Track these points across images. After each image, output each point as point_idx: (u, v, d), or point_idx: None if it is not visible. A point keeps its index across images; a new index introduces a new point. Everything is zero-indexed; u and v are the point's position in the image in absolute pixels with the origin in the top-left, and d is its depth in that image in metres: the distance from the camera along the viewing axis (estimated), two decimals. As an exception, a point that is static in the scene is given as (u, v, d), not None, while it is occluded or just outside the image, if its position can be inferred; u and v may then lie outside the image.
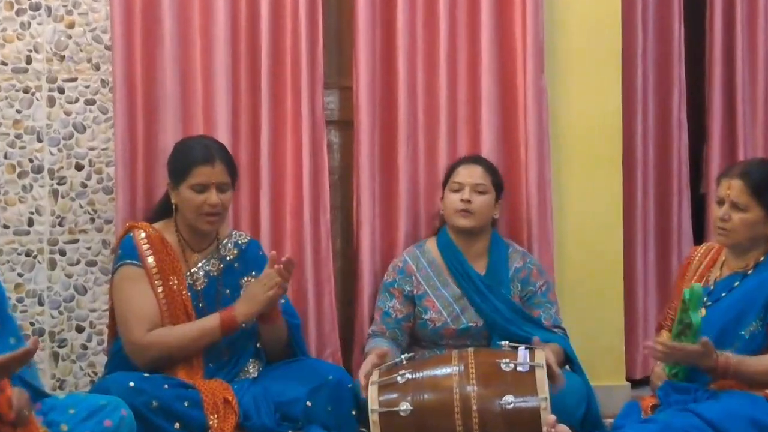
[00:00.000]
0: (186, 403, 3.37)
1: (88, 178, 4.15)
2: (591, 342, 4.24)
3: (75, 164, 4.14)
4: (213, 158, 3.59)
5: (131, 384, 3.31)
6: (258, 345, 3.67)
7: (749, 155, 4.58)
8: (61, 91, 4.12)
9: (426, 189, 4.22)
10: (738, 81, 4.65)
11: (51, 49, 4.11)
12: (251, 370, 3.63)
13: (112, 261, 3.81)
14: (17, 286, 4.09)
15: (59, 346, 4.15)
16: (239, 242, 3.74)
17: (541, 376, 3.26)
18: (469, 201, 3.90)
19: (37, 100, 4.11)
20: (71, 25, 4.12)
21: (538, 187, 4.25)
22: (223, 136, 3.97)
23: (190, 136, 3.88)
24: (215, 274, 3.66)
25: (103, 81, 4.14)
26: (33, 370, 3.14)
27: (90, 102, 4.15)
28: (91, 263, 4.16)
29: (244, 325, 3.56)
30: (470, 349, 3.45)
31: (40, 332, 4.11)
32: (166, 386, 3.38)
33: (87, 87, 4.14)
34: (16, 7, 4.07)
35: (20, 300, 4.09)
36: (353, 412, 3.52)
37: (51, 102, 4.11)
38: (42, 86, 4.11)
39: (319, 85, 4.17)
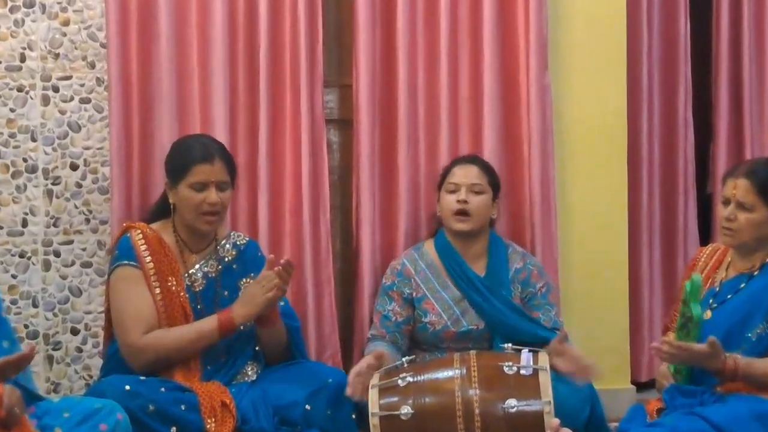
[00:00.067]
0: (183, 407, 3.36)
1: (83, 177, 4.14)
2: (595, 344, 4.24)
3: (70, 164, 4.13)
4: (212, 156, 3.58)
5: (127, 387, 3.31)
6: (257, 348, 3.66)
7: (756, 154, 4.58)
8: (56, 89, 4.11)
9: (427, 189, 4.21)
10: (745, 78, 4.65)
11: (45, 47, 4.10)
12: (250, 373, 3.62)
13: (107, 262, 3.80)
14: (11, 287, 4.09)
15: (54, 349, 4.14)
16: (238, 243, 3.74)
17: (545, 379, 3.25)
18: (465, 202, 3.89)
19: (31, 98, 4.10)
20: (66, 23, 4.12)
21: (542, 186, 4.24)
22: (220, 135, 3.97)
23: (187, 135, 3.88)
24: (213, 275, 3.66)
25: (98, 79, 4.14)
26: (27, 373, 3.14)
27: (85, 101, 4.14)
28: (86, 264, 4.15)
29: (242, 327, 3.55)
30: (472, 352, 3.45)
31: (35, 335, 4.11)
32: (162, 389, 3.38)
33: (82, 85, 4.14)
34: (9, 4, 4.07)
35: (14, 302, 4.08)
36: (353, 416, 3.51)
37: (45, 101, 4.11)
38: (36, 84, 4.10)
39: (319, 84, 4.17)
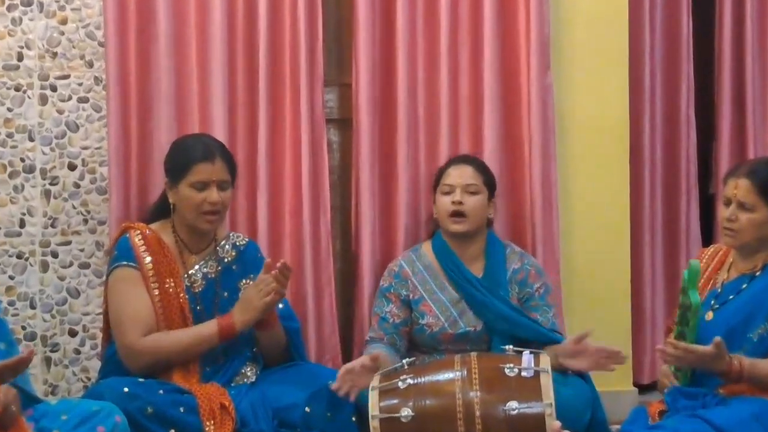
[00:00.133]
0: (182, 409, 3.37)
1: (81, 178, 4.15)
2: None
3: (68, 164, 4.14)
4: (213, 155, 3.59)
5: (125, 389, 3.31)
6: (254, 349, 3.67)
7: (759, 154, 4.59)
8: (54, 88, 4.12)
9: (427, 189, 4.22)
10: (747, 78, 4.65)
11: (43, 46, 4.11)
12: (248, 374, 3.63)
13: (106, 263, 3.81)
14: (8, 289, 4.09)
15: (51, 351, 4.15)
16: (237, 244, 3.74)
17: (546, 381, 3.26)
18: (461, 203, 3.90)
19: (29, 98, 4.11)
20: (64, 21, 4.12)
21: (543, 186, 4.25)
22: (219, 134, 3.98)
23: (187, 134, 3.89)
24: (213, 276, 3.66)
25: (96, 78, 4.15)
26: (25, 375, 3.14)
27: (83, 100, 4.15)
28: (85, 265, 4.16)
29: (242, 332, 3.56)
30: (473, 354, 3.45)
31: (32, 336, 4.11)
32: (161, 391, 3.38)
33: (80, 84, 4.14)
34: (7, 2, 4.07)
35: (11, 303, 4.09)
36: (353, 419, 3.52)
37: (43, 100, 4.11)
38: (34, 84, 4.11)
39: (319, 83, 4.18)
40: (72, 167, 4.14)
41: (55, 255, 4.13)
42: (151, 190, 3.99)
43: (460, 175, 3.94)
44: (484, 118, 4.24)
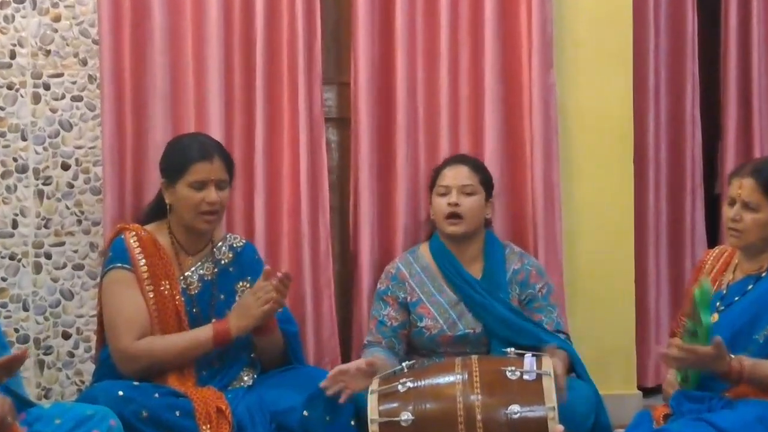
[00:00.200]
0: (177, 413, 3.36)
1: (75, 177, 4.15)
2: (601, 348, 4.25)
3: (61, 163, 4.14)
4: (211, 154, 3.59)
5: (120, 393, 3.30)
6: (252, 355, 3.66)
7: (766, 153, 4.59)
8: (47, 87, 4.12)
9: (426, 189, 4.21)
10: (754, 76, 4.65)
11: (36, 44, 4.11)
12: (245, 378, 3.62)
13: (100, 264, 3.80)
14: (1, 290, 4.09)
15: (45, 354, 4.14)
16: (234, 245, 3.74)
17: (549, 384, 3.25)
18: (457, 204, 3.89)
19: (22, 96, 4.10)
20: (57, 19, 4.12)
21: (545, 186, 4.25)
22: (216, 133, 3.98)
23: (183, 134, 3.89)
24: (209, 278, 3.66)
25: (90, 76, 4.14)
26: (17, 379, 3.15)
27: (77, 98, 4.15)
28: (78, 267, 4.16)
29: (237, 338, 3.55)
30: (474, 357, 3.45)
31: (25, 339, 4.11)
32: (156, 395, 3.37)
33: (74, 83, 4.14)
34: (-1, -1, 4.09)
35: (4, 305, 4.09)
36: (352, 422, 3.51)
37: (36, 98, 4.11)
38: (27, 82, 4.11)
39: (317, 81, 4.18)
40: (65, 167, 4.14)
41: (48, 256, 4.13)
42: (146, 190, 3.99)
43: (456, 176, 3.93)
44: (485, 117, 4.24)
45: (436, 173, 4.00)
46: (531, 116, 4.25)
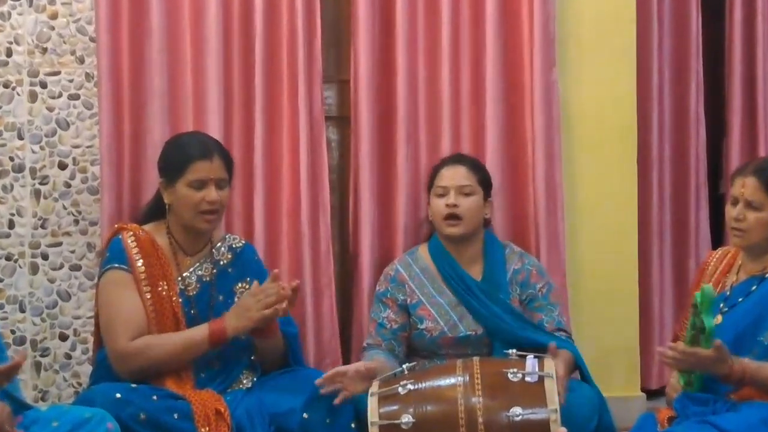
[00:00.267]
0: (176, 415, 3.36)
1: (72, 177, 4.15)
2: (604, 350, 4.25)
3: (58, 163, 4.14)
4: (211, 153, 3.59)
5: (118, 395, 3.30)
6: (252, 357, 3.67)
7: (772, 152, 4.60)
8: (44, 85, 4.12)
9: (427, 189, 4.22)
10: (759, 73, 4.66)
11: (32, 41, 4.11)
12: (245, 381, 3.63)
13: (97, 265, 3.80)
14: (-3, 291, 4.11)
15: (41, 356, 4.15)
16: (233, 246, 3.74)
17: (551, 386, 3.26)
18: (455, 205, 3.89)
19: (18, 95, 4.11)
20: (54, 16, 4.13)
21: (547, 186, 4.25)
22: (214, 132, 3.98)
23: (182, 132, 3.89)
24: (208, 279, 3.66)
25: (87, 75, 4.15)
26: (14, 381, 3.14)
27: (74, 97, 4.15)
28: (75, 267, 4.16)
29: (238, 337, 3.55)
30: (475, 358, 3.45)
31: (22, 341, 4.12)
32: (154, 397, 3.38)
33: (71, 81, 4.15)
34: (-5, -3, 4.09)
35: (0, 307, 4.09)
36: (352, 425, 3.51)
37: (32, 97, 4.12)
38: (23, 80, 4.11)
39: (318, 79, 4.18)
40: (62, 166, 4.14)
41: (45, 257, 4.13)
42: (144, 190, 4.00)
43: (453, 176, 3.92)
44: (487, 116, 4.25)
45: (433, 173, 3.99)
46: (533, 115, 4.26)
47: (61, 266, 4.15)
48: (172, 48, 4.05)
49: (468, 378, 3.31)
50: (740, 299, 3.43)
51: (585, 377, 3.78)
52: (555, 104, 4.27)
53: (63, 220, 4.15)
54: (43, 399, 4.13)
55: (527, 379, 3.29)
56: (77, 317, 4.16)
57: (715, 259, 3.62)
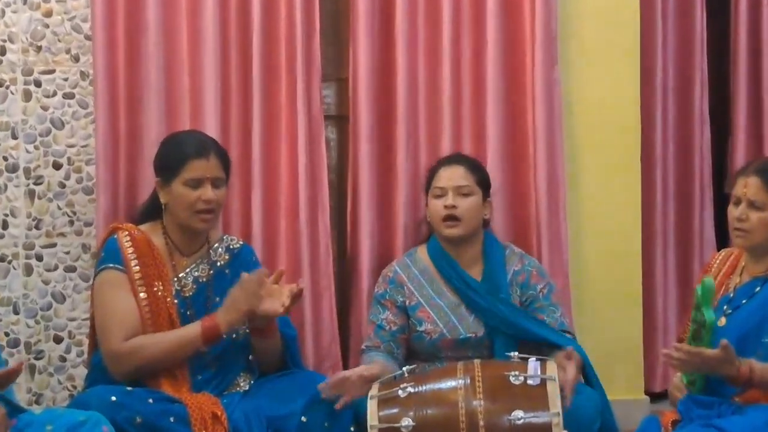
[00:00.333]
0: (172, 419, 3.36)
1: (67, 177, 4.15)
2: (607, 352, 4.24)
3: (53, 162, 4.14)
4: (207, 151, 3.59)
5: (113, 398, 3.31)
6: (250, 358, 3.67)
7: (778, 151, 4.59)
8: (38, 84, 4.12)
9: (425, 190, 4.21)
10: (765, 71, 4.65)
11: (27, 39, 4.11)
12: (242, 383, 3.63)
13: (92, 266, 3.81)
14: (-10, 293, 4.11)
15: (36, 358, 4.15)
16: (231, 247, 3.74)
17: (553, 389, 3.26)
18: (453, 206, 3.88)
19: (12, 93, 4.11)
20: (48, 14, 4.13)
21: (549, 186, 4.25)
22: (211, 131, 3.98)
23: (178, 131, 3.89)
24: (205, 280, 3.66)
25: (82, 73, 4.15)
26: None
27: (69, 96, 4.15)
28: (70, 269, 4.16)
29: (225, 335, 3.54)
30: (477, 361, 3.45)
31: (16, 343, 4.11)
32: (150, 400, 3.38)
33: (65, 80, 4.15)
34: (-12, -6, 4.09)
35: (-6, 308, 4.10)
36: (351, 429, 3.51)
37: (27, 96, 4.12)
38: (17, 79, 4.11)
39: (316, 77, 4.18)
40: (57, 166, 4.14)
41: (39, 258, 4.13)
42: (140, 190, 4.00)
43: (451, 177, 3.92)
44: (488, 114, 4.24)
45: (431, 174, 3.99)
46: (534, 113, 4.25)
47: (56, 267, 4.15)
48: (169, 46, 4.05)
49: (469, 381, 3.31)
50: (744, 301, 3.42)
51: (589, 379, 3.77)
52: (557, 103, 4.27)
53: (58, 220, 4.14)
54: (37, 402, 4.13)
55: (529, 382, 3.29)
56: (72, 319, 4.16)
57: (718, 261, 3.62)
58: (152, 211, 3.69)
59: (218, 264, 3.69)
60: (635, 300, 4.42)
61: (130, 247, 3.58)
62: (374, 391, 3.37)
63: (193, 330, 3.51)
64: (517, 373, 3.31)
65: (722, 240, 4.67)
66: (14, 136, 4.10)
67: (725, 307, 3.42)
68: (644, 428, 3.44)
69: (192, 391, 3.51)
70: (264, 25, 4.11)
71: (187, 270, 3.65)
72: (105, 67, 4.00)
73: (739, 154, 4.66)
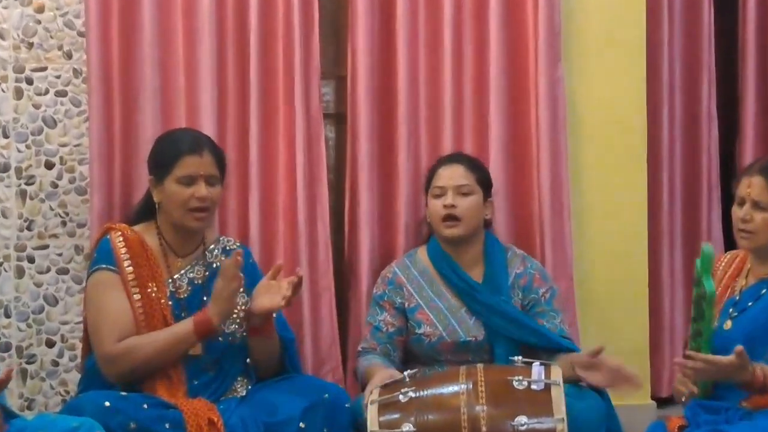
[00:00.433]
0: (167, 425, 3.35)
1: (60, 177, 4.15)
2: (613, 356, 4.23)
3: (45, 162, 4.13)
4: (201, 148, 3.59)
5: (107, 403, 3.30)
6: (248, 361, 3.66)
7: (786, 150, 4.59)
8: (30, 81, 4.12)
9: (425, 190, 4.20)
10: (773, 69, 4.66)
11: (18, 36, 4.11)
12: (239, 389, 3.62)
13: (86, 267, 3.80)
14: (-19, 296, 4.10)
15: (28, 363, 4.14)
16: (228, 248, 3.73)
17: (558, 394, 3.25)
18: (453, 206, 3.88)
19: (3, 91, 4.10)
20: (40, 9, 4.12)
21: (552, 186, 4.25)
22: (208, 129, 3.98)
23: (173, 129, 3.88)
24: (200, 282, 3.66)
25: (75, 70, 4.14)
26: (-1, 390, 3.14)
27: (61, 94, 4.14)
28: (63, 271, 4.15)
29: (220, 335, 3.55)
30: (479, 365, 3.45)
31: (7, 347, 4.11)
32: (145, 406, 3.37)
33: (58, 77, 4.14)
34: (-21, -11, 4.08)
35: (-16, 312, 4.10)
36: (351, 434, 3.52)
37: (18, 94, 4.11)
38: (8, 76, 4.11)
39: (315, 75, 4.18)
40: (49, 166, 4.13)
41: (31, 260, 4.13)
42: (135, 190, 4.00)
43: (451, 176, 3.92)
44: (490, 113, 4.24)
45: (430, 174, 3.99)
46: (538, 112, 4.25)
47: (48, 270, 4.14)
48: (164, 42, 4.05)
49: (471, 385, 3.31)
50: (750, 303, 3.43)
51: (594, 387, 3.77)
52: (561, 101, 4.27)
53: (50, 221, 4.14)
54: (29, 408, 4.12)
55: (533, 386, 3.29)
56: (65, 323, 4.15)
57: (724, 263, 3.62)
58: (146, 211, 3.69)
59: (214, 266, 3.69)
60: (641, 303, 4.42)
61: (123, 247, 3.58)
62: (374, 395, 3.37)
63: (185, 326, 3.50)
64: (520, 377, 3.31)
65: (730, 241, 4.65)
66: (5, 135, 4.09)
67: (731, 310, 3.42)
68: (650, 433, 3.45)
69: (188, 396, 3.51)
70: (261, 22, 4.11)
71: (182, 271, 3.65)
72: (99, 65, 4.00)
73: (748, 153, 4.66)
